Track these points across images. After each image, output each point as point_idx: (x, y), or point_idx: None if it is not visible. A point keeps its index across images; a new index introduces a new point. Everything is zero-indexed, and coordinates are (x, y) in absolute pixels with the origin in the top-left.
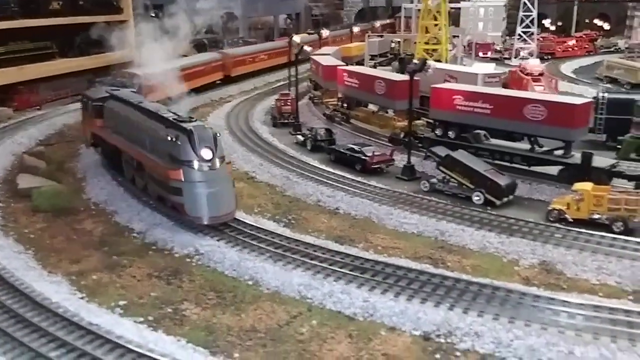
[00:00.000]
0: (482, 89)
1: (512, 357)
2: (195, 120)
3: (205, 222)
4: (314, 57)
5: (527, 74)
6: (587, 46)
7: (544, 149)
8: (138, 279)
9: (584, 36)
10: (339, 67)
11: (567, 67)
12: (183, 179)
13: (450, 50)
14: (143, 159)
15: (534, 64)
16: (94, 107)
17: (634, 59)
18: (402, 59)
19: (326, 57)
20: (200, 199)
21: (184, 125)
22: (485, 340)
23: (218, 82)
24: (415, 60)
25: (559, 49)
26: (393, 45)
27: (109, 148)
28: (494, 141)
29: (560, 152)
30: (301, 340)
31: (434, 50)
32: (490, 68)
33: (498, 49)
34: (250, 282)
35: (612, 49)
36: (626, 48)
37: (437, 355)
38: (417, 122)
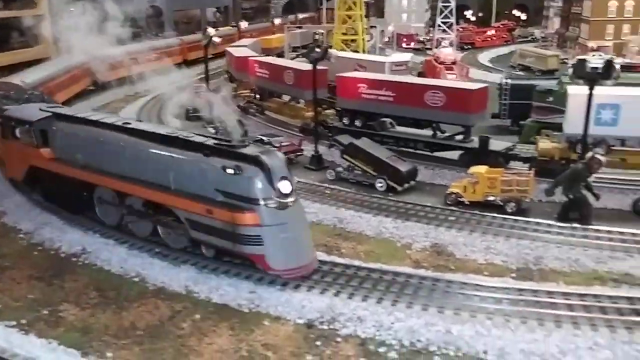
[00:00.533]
0: (384, 76)
1: (392, 340)
2: (248, 143)
3: (294, 275)
4: (229, 49)
5: (440, 63)
6: (505, 36)
7: (446, 134)
8: (17, 281)
9: (501, 26)
10: (250, 58)
11: (485, 57)
12: (261, 223)
13: (369, 41)
14: (167, 200)
15: (447, 53)
16: (33, 132)
17: (547, 47)
18: (311, 48)
19: (241, 48)
20: (289, 246)
21: (245, 151)
22: (367, 324)
23: (91, 88)
24: (317, 49)
25: (479, 39)
26: (317, 37)
27: (69, 186)
28: (400, 129)
29: (460, 137)
30: (181, 335)
31: (352, 40)
32: (407, 57)
33: (421, 39)
34: (136, 279)
35: (529, 39)
36: (542, 37)
37: (318, 342)
38: (328, 111)
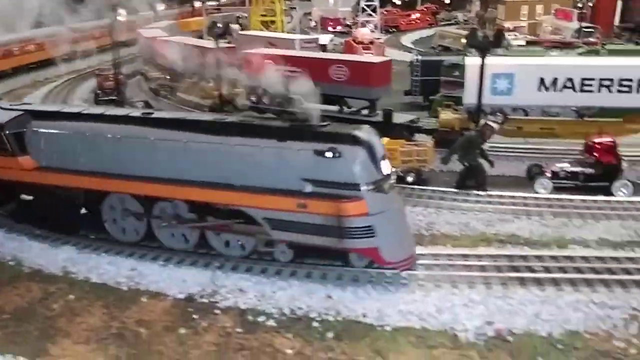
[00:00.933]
0: (289, 52)
1: (272, 309)
2: (328, 122)
3: (406, 266)
4: (140, 32)
5: (358, 43)
6: (429, 19)
7: (352, 109)
8: None
9: (426, 9)
10: (159, 39)
11: (408, 39)
12: (370, 211)
13: (289, 23)
14: (235, 200)
15: (364, 33)
16: (6, 137)
17: (468, 29)
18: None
19: (154, 30)
20: (398, 234)
21: (335, 130)
22: (249, 295)
23: None
24: (219, 24)
25: (403, 22)
26: (240, 20)
27: (62, 199)
28: (308, 105)
29: (366, 111)
30: (50, 316)
31: (272, 22)
32: (327, 39)
33: (348, 23)
34: (12, 263)
35: (452, 22)
36: (464, 20)
37: (195, 316)
38: (237, 90)
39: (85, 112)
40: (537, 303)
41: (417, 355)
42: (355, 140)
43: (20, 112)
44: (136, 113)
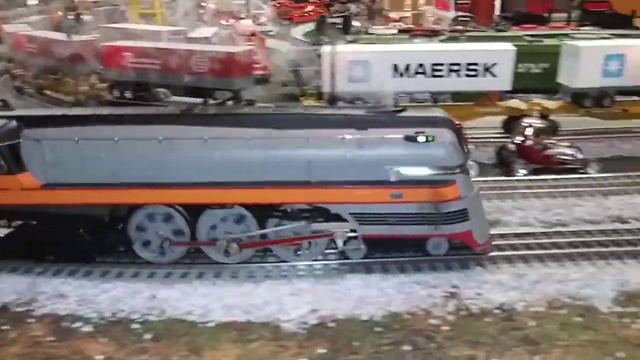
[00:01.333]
0: (149, 43)
1: (92, 313)
2: (402, 107)
3: (489, 249)
4: (5, 27)
5: (239, 35)
6: (322, 11)
7: (218, 101)
8: None
9: (319, 1)
10: (19, 33)
11: (299, 31)
12: (462, 195)
13: (172, 16)
14: (316, 197)
15: (246, 24)
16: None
17: (359, 20)
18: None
19: (19, 26)
20: (482, 216)
21: (419, 114)
22: (70, 300)
23: None
24: (69, 16)
25: (296, 14)
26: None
27: (75, 221)
28: (175, 98)
29: (231, 102)
30: None
31: (153, 15)
32: (210, 32)
33: (242, 16)
34: None
35: (345, 13)
36: (357, 13)
37: (6, 327)
38: (101, 85)
39: (105, 114)
40: (363, 288)
41: (234, 350)
42: (443, 123)
43: (7, 120)
44: (174, 111)
